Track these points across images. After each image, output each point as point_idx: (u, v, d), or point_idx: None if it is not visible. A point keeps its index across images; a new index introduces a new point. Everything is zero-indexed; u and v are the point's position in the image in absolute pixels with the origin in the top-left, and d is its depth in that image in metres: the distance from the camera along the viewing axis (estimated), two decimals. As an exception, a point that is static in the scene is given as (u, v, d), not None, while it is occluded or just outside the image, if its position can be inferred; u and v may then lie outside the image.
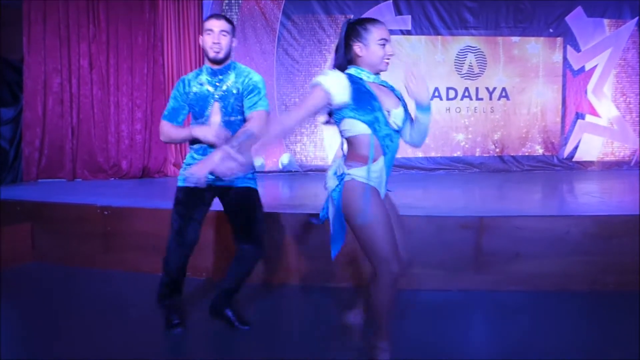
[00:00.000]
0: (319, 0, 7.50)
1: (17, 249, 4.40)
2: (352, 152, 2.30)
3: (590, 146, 8.00)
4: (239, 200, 2.94)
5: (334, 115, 2.31)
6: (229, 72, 2.89)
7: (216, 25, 2.81)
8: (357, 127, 2.25)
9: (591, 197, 5.17)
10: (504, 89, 7.87)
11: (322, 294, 3.62)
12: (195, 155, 2.91)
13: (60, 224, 4.51)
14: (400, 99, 2.39)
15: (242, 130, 2.75)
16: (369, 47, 2.30)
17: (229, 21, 2.87)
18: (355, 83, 2.26)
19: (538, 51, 7.86)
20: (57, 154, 6.78)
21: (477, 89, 7.83)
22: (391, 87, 2.43)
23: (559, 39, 7.85)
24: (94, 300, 3.56)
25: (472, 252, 3.65)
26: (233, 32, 2.88)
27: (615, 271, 3.59)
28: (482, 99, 7.83)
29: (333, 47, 7.52)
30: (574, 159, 7.97)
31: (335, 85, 2.21)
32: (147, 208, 4.40)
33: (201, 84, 2.89)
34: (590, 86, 7.93)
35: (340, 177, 2.28)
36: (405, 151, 7.60)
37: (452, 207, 4.12)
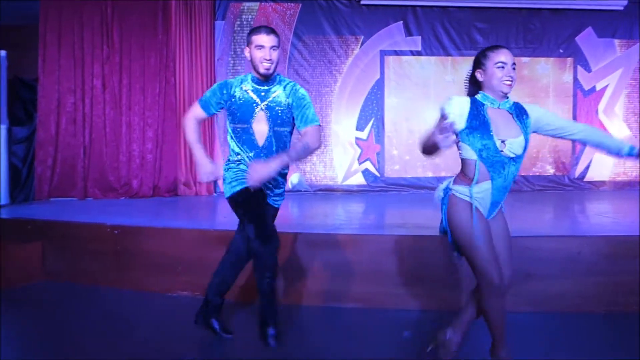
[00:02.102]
0: (329, 22, 7.57)
1: (27, 267, 4.42)
2: (462, 171, 2.53)
3: (602, 166, 7.94)
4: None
5: (457, 135, 2.50)
6: (274, 83, 2.94)
7: (267, 40, 2.83)
8: (468, 151, 2.48)
9: (603, 217, 5.12)
10: (514, 109, 7.85)
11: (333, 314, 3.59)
12: (237, 163, 2.95)
13: (70, 242, 4.53)
14: (523, 127, 2.51)
15: (300, 143, 2.86)
16: (487, 71, 2.49)
17: (277, 34, 2.91)
18: (477, 108, 2.48)
19: (548, 71, 7.86)
20: (69, 172, 6.84)
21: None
22: (519, 112, 2.54)
23: (569, 59, 7.85)
24: (102, 319, 3.55)
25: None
26: (280, 43, 2.92)
27: (630, 292, 3.53)
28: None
29: (344, 67, 7.59)
30: (585, 179, 7.91)
31: (455, 112, 2.45)
32: (157, 227, 4.42)
33: (245, 91, 2.91)
34: (601, 106, 7.91)
35: (446, 191, 2.53)
36: (415, 171, 7.60)
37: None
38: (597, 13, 7.77)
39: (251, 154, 2.93)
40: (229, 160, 3.03)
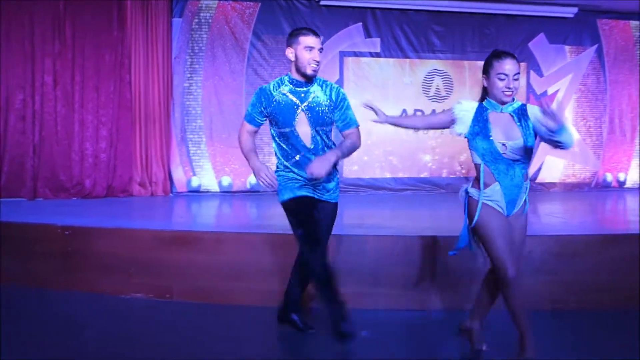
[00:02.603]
0: (289, 21, 7.54)
1: (-28, 269, 4.24)
2: (475, 175, 2.68)
3: (553, 168, 8.19)
4: (328, 214, 3.08)
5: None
6: (313, 84, 2.98)
7: (316, 42, 2.90)
8: (475, 156, 2.63)
9: (553, 218, 5.28)
10: (470, 112, 8.01)
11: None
12: (286, 170, 3.03)
13: (19, 244, 4.36)
14: (523, 129, 2.57)
15: (349, 141, 3.04)
16: (490, 79, 2.61)
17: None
18: (481, 113, 2.61)
19: (502, 75, 8.04)
20: (17, 172, 6.59)
21: (443, 111, 7.94)
22: (521, 114, 2.60)
23: (523, 64, 8.04)
24: (52, 322, 3.44)
25: (438, 271, 3.66)
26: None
27: (577, 291, 3.65)
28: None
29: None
30: (536, 180, 8.13)
31: (462, 116, 2.63)
32: (110, 228, 4.31)
33: (284, 95, 2.94)
34: (552, 110, 8.13)
35: (465, 194, 2.70)
36: (373, 172, 7.65)
37: (418, 226, 4.17)
38: (549, 20, 8.02)
39: (300, 155, 2.98)
40: (277, 167, 3.10)
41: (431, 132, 7.83)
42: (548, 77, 8.12)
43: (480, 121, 2.59)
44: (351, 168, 7.70)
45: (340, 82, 7.66)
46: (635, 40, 8.35)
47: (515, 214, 2.65)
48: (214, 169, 7.41)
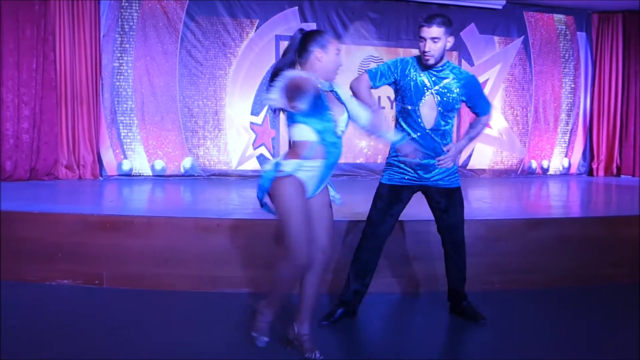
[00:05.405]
0: (224, 3, 7.39)
1: None
2: (293, 149, 2.50)
3: (483, 155, 8.50)
4: (443, 200, 3.10)
5: (287, 117, 2.49)
6: (444, 69, 2.99)
7: (426, 32, 2.90)
8: (307, 134, 2.45)
9: (482, 203, 5.47)
10: (404, 99, 8.16)
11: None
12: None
13: None
14: (342, 103, 2.58)
15: (473, 133, 3.16)
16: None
17: (443, 23, 2.91)
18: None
19: (435, 63, 8.23)
20: None
21: (379, 97, 8.04)
22: (336, 92, 2.59)
23: (454, 53, 8.27)
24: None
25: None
26: (448, 32, 2.91)
27: (501, 271, 3.81)
28: (384, 108, 8.07)
29: (239, 50, 7.46)
30: (467, 167, 8.42)
31: None
32: (34, 212, 4.10)
33: (419, 74, 2.98)
34: (482, 99, 8.42)
35: (275, 166, 2.45)
36: (309, 157, 7.66)
37: (354, 212, 4.20)
38: (479, 10, 8.26)
39: (417, 135, 2.99)
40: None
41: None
42: (478, 66, 8.38)
43: (320, 98, 2.51)
44: (287, 153, 7.68)
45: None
46: (558, 33, 8.76)
47: (319, 193, 2.62)
48: (146, 152, 7.20)
